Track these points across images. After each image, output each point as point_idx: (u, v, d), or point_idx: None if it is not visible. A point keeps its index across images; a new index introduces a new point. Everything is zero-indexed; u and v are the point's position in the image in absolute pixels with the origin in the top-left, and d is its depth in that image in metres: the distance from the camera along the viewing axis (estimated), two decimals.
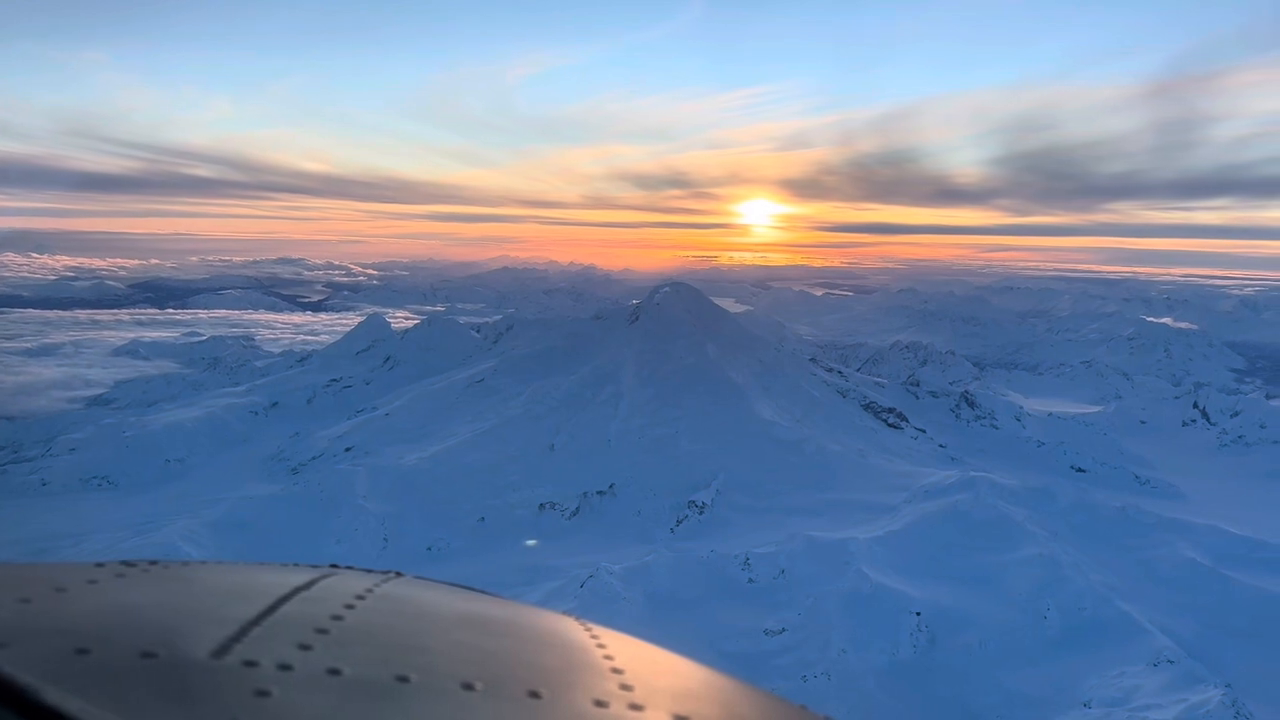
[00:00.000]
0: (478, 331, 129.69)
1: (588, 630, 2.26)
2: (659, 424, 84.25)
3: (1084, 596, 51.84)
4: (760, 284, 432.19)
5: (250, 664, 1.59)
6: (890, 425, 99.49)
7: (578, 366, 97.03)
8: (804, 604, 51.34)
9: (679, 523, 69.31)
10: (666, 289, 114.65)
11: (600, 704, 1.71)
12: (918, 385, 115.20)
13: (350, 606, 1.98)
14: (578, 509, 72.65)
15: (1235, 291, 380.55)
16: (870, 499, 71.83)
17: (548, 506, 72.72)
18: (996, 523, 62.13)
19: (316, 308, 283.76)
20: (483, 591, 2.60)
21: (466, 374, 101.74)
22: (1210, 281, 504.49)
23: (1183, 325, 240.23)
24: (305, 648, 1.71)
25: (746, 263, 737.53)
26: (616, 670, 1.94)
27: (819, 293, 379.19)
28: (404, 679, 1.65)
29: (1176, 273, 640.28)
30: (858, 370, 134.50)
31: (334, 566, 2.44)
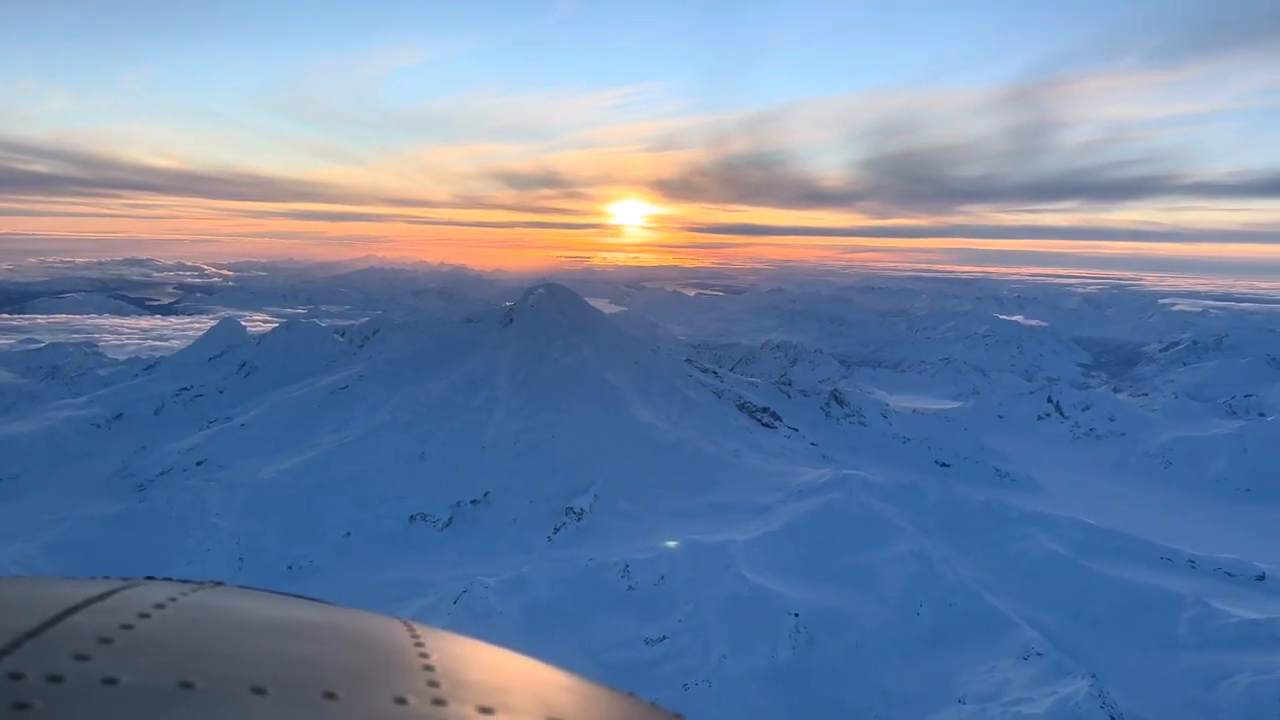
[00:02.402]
0: (342, 335, 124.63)
1: (411, 631, 2.21)
2: (534, 429, 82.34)
3: (954, 592, 52.87)
4: (634, 284, 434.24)
5: (15, 676, 1.54)
6: (764, 425, 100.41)
7: (449, 371, 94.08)
8: (684, 610, 50.57)
9: (556, 530, 67.63)
10: (540, 290, 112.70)
11: (400, 701, 1.71)
12: (789, 384, 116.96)
13: (145, 615, 1.89)
14: (450, 520, 70.05)
15: (1080, 290, 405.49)
16: (747, 500, 71.90)
17: (419, 518, 69.84)
18: (869, 520, 62.98)
19: (166, 311, 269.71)
20: (310, 598, 2.45)
21: (330, 380, 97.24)
22: (1057, 280, 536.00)
23: (1033, 323, 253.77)
24: (82, 658, 1.64)
25: (619, 263, 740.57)
26: (428, 668, 1.92)
27: (691, 293, 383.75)
28: (188, 686, 1.61)
29: (1025, 272, 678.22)
30: (731, 370, 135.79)
31: (149, 578, 2.33)
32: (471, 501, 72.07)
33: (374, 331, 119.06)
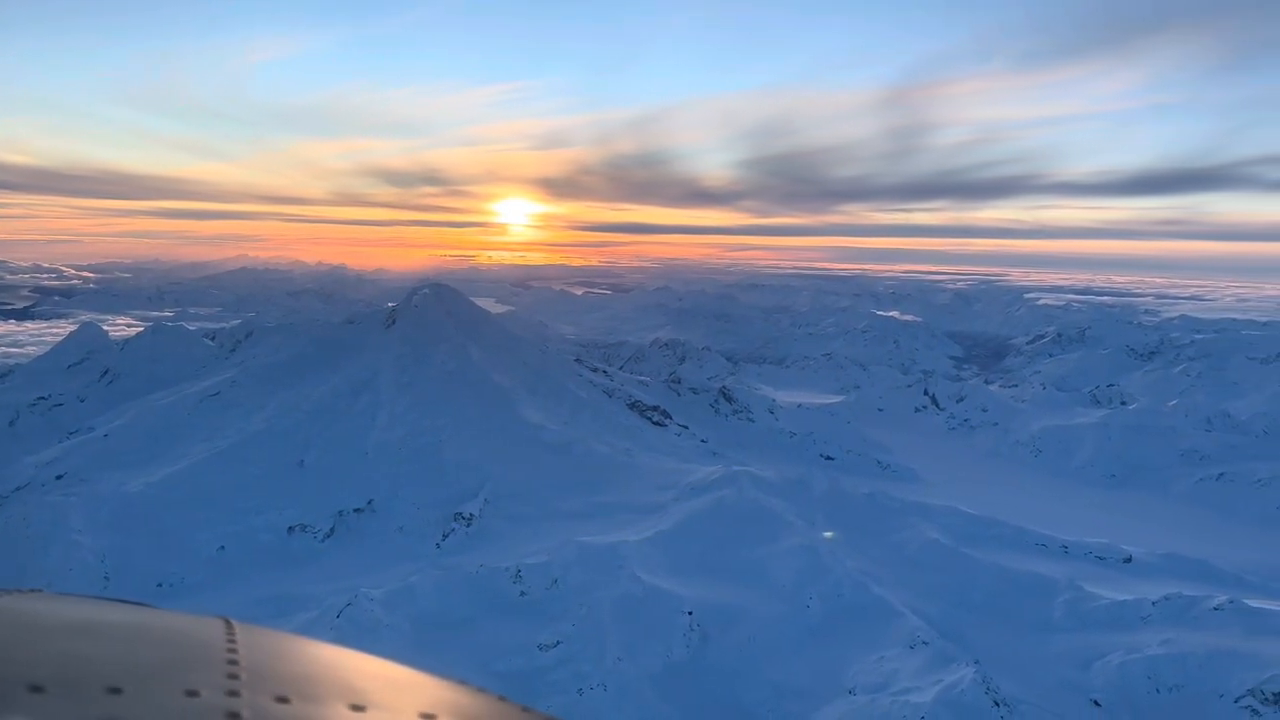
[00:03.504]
0: (212, 339, 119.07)
1: (229, 630, 2.20)
2: (420, 433, 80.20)
3: (842, 583, 53.77)
4: (520, 284, 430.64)
5: None
6: (655, 423, 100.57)
7: (329, 375, 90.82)
8: (578, 614, 49.87)
9: (445, 537, 65.93)
10: (425, 290, 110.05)
11: (191, 693, 1.72)
12: (679, 382, 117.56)
13: None
14: (332, 530, 67.49)
15: (950, 286, 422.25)
16: (639, 499, 71.69)
17: (298, 529, 67.03)
18: (759, 515, 63.62)
19: (21, 315, 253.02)
20: (133, 602, 2.45)
21: (200, 387, 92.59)
22: (929, 277, 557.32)
23: (908, 318, 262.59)
24: None
25: (505, 262, 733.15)
26: (232, 662, 1.93)
27: (579, 292, 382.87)
28: None
29: (899, 269, 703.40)
30: (621, 369, 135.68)
31: None
32: (354, 510, 69.63)
33: (247, 334, 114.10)
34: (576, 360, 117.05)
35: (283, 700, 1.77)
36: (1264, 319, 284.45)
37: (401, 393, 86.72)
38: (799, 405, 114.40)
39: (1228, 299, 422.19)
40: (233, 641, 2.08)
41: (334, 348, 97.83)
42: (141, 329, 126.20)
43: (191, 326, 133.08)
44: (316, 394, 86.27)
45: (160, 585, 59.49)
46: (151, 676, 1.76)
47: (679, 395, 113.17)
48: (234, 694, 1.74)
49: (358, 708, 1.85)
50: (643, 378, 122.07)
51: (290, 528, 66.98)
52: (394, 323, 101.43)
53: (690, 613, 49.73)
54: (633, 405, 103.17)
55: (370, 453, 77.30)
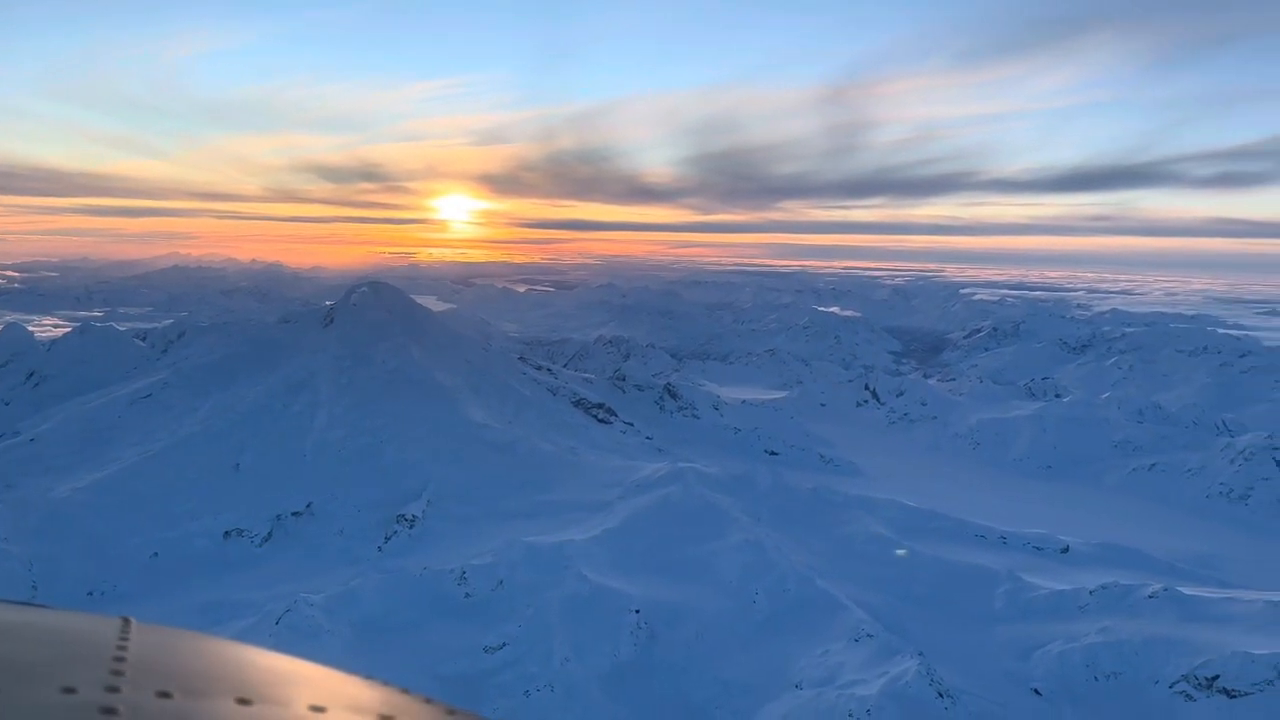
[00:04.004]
0: (143, 339, 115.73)
1: (125, 628, 2.21)
2: (361, 434, 78.81)
3: (787, 578, 54.04)
4: (462, 281, 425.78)
5: None
6: (600, 421, 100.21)
7: (265, 375, 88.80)
8: (524, 615, 49.38)
9: (387, 539, 64.83)
10: (364, 288, 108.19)
11: (68, 690, 1.73)
12: (623, 379, 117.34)
13: None
14: (270, 534, 65.95)
15: (889, 282, 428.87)
16: (585, 497, 71.32)
17: (234, 534, 65.38)
18: (705, 512, 63.70)
19: None
20: (28, 604, 2.44)
21: (130, 389, 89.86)
22: (868, 273, 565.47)
23: (848, 313, 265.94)
24: None
25: (447, 259, 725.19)
26: (119, 659, 1.94)
27: (521, 289, 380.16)
28: None
29: (839, 265, 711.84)
30: (565, 366, 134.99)
31: None
32: (293, 514, 68.15)
33: (179, 334, 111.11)
34: (520, 358, 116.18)
35: (164, 695, 1.78)
36: (1191, 312, 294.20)
37: (341, 393, 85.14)
38: (743, 401, 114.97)
39: (1157, 293, 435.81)
40: (125, 639, 2.06)
41: (270, 347, 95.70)
42: (69, 329, 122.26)
43: (121, 327, 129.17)
44: (252, 395, 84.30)
45: (91, 594, 57.64)
46: (28, 674, 1.76)
47: (624, 392, 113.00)
48: (113, 689, 1.75)
49: (245, 701, 1.85)
50: (587, 375, 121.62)
51: (226, 532, 65.33)
52: (332, 321, 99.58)
53: (638, 611, 49.55)
54: (577, 403, 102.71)
55: (309, 454, 75.75)
